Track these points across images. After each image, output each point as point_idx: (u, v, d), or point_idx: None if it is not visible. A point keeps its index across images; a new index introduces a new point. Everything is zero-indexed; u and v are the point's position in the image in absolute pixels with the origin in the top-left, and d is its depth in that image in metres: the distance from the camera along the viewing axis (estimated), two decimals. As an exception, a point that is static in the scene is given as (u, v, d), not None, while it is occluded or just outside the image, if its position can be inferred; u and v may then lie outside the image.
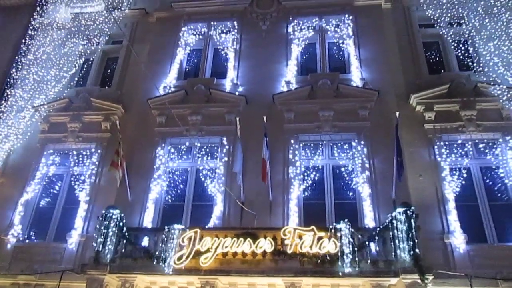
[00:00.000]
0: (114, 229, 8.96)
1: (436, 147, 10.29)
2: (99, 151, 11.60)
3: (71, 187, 11.39)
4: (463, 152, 10.33)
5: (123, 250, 8.98)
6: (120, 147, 10.41)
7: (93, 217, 10.28)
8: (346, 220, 8.39)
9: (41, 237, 10.86)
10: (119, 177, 10.32)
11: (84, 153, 11.77)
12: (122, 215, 9.23)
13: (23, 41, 14.15)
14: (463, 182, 9.91)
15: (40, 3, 15.19)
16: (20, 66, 13.57)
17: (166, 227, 8.86)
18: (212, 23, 13.49)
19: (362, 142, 10.35)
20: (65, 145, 11.89)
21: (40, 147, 11.92)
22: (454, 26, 12.47)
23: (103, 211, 9.27)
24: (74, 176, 11.50)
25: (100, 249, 8.78)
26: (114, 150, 10.47)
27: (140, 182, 10.63)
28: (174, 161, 11.15)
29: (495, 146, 10.39)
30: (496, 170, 10.12)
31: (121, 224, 9.09)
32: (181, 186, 10.83)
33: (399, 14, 12.96)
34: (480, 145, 10.37)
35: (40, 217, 11.17)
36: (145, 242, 9.10)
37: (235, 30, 13.14)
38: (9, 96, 12.82)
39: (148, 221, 10.15)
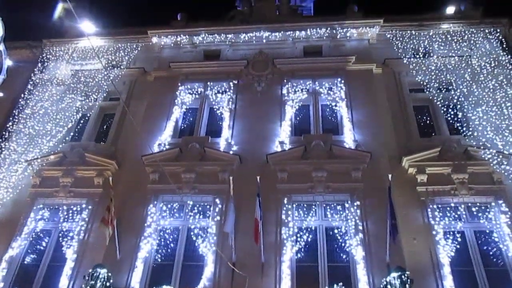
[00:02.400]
0: (100, 289, 8.66)
1: (429, 210, 10.27)
2: (90, 207, 11.43)
3: (58, 243, 11.10)
4: (456, 216, 10.32)
5: (109, 312, 8.62)
6: (112, 204, 10.29)
7: (79, 276, 9.92)
8: (340, 284, 8.20)
9: (24, 296, 10.43)
10: (108, 234, 10.09)
11: (74, 208, 11.58)
12: (110, 274, 8.95)
13: (22, 95, 14.40)
14: (458, 246, 9.80)
15: (42, 60, 15.62)
16: (16, 120, 13.70)
17: (154, 288, 8.57)
18: (208, 83, 13.84)
19: (355, 204, 10.31)
20: (55, 200, 11.73)
21: (30, 201, 11.74)
22: (443, 91, 12.88)
23: (90, 270, 8.99)
24: (62, 232, 11.24)
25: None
26: (106, 206, 10.33)
27: (129, 240, 10.40)
28: (166, 219, 10.99)
29: (488, 209, 10.39)
30: (490, 235, 10.04)
31: (107, 284, 8.80)
32: (172, 245, 10.60)
33: (390, 79, 13.41)
34: (473, 209, 10.36)
35: (24, 275, 10.76)
36: (132, 304, 8.77)
37: (231, 91, 13.47)
38: (3, 149, 12.84)
39: (136, 281, 9.81)
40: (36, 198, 11.83)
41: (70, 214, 11.52)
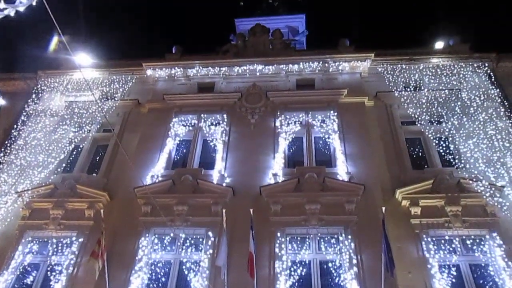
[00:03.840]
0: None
1: (423, 242, 10.19)
2: (80, 239, 11.21)
3: (46, 277, 10.81)
4: (451, 249, 10.25)
5: None
6: (102, 237, 10.12)
7: (67, 312, 9.67)
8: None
9: (9, 334, 10.07)
10: (98, 268, 9.87)
11: (64, 241, 11.35)
12: (98, 311, 8.71)
13: (15, 126, 14.36)
14: (453, 280, 9.69)
15: (36, 91, 15.68)
16: (8, 151, 13.60)
17: (144, 325, 8.32)
18: (202, 115, 13.94)
19: (349, 237, 10.22)
20: (45, 232, 11.49)
21: (18, 234, 11.49)
22: (435, 124, 13.06)
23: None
24: (50, 266, 10.96)
25: None
26: (96, 239, 10.15)
27: (120, 274, 10.16)
28: (157, 252, 10.80)
29: (482, 242, 10.33)
30: (486, 268, 9.95)
31: (96, 321, 8.55)
32: (163, 279, 10.37)
33: (382, 111, 13.59)
34: (468, 242, 10.30)
35: (10, 311, 10.47)
36: None
37: (224, 123, 13.54)
38: (-7, 181, 12.68)
39: (125, 317, 9.56)
40: (25, 230, 11.59)
41: (60, 247, 11.28)
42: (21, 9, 4.52)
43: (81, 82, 15.66)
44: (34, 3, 4.52)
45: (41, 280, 10.85)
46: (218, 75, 15.24)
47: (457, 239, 10.35)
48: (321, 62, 14.87)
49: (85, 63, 15.94)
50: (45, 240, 11.53)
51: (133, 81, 15.60)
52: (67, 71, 16.09)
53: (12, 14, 4.50)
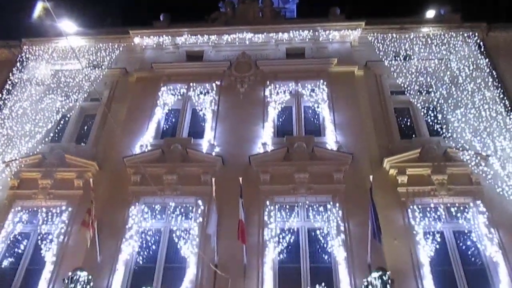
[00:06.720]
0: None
1: (409, 210, 10.40)
2: (69, 209, 11.23)
3: (37, 246, 10.85)
4: (436, 216, 10.47)
5: (89, 315, 8.49)
6: (92, 206, 10.14)
7: (59, 280, 9.73)
8: (322, 284, 8.22)
9: (1, 300, 10.19)
10: (89, 237, 9.94)
11: (54, 211, 11.35)
12: (90, 277, 8.83)
13: (0, 95, 14.09)
14: (437, 246, 9.94)
15: (21, 59, 15.32)
16: (-6, 121, 13.40)
17: (135, 291, 8.47)
18: (191, 84, 13.78)
19: (337, 205, 10.39)
20: (34, 202, 11.47)
21: (8, 203, 11.48)
22: (423, 93, 13.08)
23: (70, 273, 8.84)
24: (41, 235, 10.99)
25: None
26: (86, 209, 10.16)
27: (110, 243, 10.26)
28: (147, 221, 10.88)
29: (466, 210, 10.58)
30: (469, 235, 10.24)
31: (88, 287, 8.67)
32: (153, 247, 10.49)
33: (371, 81, 13.57)
34: (452, 209, 10.53)
35: (1, 279, 10.47)
36: (112, 307, 8.64)
37: (214, 92, 13.44)
38: (-20, 150, 12.53)
39: (117, 284, 9.67)
40: (14, 200, 11.57)
41: (50, 217, 11.28)
42: None
43: (67, 50, 15.29)
44: None
45: (32, 249, 10.90)
46: (207, 44, 15.01)
47: (442, 206, 10.58)
48: (311, 31, 14.69)
49: (70, 30, 15.55)
50: (35, 209, 11.51)
51: (120, 49, 15.28)
52: (52, 38, 15.68)
53: None
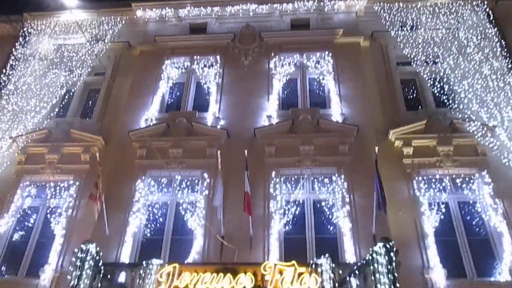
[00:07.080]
0: (90, 263, 8.65)
1: (414, 181, 10.43)
2: (77, 183, 11.38)
3: (46, 220, 11.07)
4: (441, 187, 10.49)
5: (99, 286, 8.65)
6: (99, 180, 10.23)
7: (69, 252, 9.96)
8: (327, 255, 8.31)
9: (12, 273, 10.39)
10: (97, 210, 10.07)
11: (61, 185, 11.51)
12: (99, 249, 8.96)
13: (4, 71, 14.05)
14: (442, 217, 10.00)
15: (23, 34, 15.19)
16: (-1, 96, 13.42)
17: (144, 262, 8.59)
18: (195, 57, 13.66)
19: (342, 177, 10.42)
20: (42, 177, 11.62)
21: (16, 178, 11.63)
22: (430, 64, 12.88)
23: (80, 245, 8.99)
24: (50, 209, 11.18)
25: (75, 285, 8.45)
26: (93, 183, 10.25)
27: (118, 216, 10.40)
28: (154, 194, 11.00)
29: (471, 181, 10.59)
30: (474, 205, 10.29)
31: (97, 258, 8.81)
32: (161, 219, 10.65)
33: (377, 52, 13.38)
34: (458, 180, 10.56)
35: (12, 252, 10.77)
36: (121, 278, 8.79)
37: (218, 65, 13.33)
38: (-14, 125, 12.60)
39: (125, 255, 9.89)
40: (23, 175, 11.72)
41: (58, 191, 11.44)
42: None
43: (69, 24, 15.16)
44: None
45: (42, 222, 11.12)
46: (210, 16, 14.77)
47: (447, 177, 10.59)
48: (316, 1, 14.37)
49: (72, 4, 15.31)
50: (43, 184, 11.67)
51: (123, 22, 15.10)
52: (54, 12, 15.49)
53: None
